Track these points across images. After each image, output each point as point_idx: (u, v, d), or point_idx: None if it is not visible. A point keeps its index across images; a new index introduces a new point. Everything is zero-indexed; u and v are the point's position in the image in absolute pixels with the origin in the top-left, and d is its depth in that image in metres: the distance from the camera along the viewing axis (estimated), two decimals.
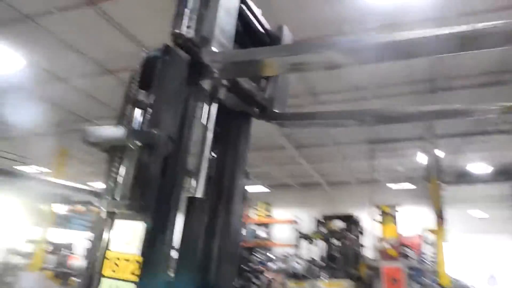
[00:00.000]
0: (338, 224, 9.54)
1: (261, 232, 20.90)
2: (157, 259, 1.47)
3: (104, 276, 1.48)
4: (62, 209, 13.45)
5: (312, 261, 8.96)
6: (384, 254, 7.22)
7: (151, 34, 6.70)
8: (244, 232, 20.54)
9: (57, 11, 6.59)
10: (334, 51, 1.54)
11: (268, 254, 15.94)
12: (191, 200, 1.80)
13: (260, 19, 2.17)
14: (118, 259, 1.47)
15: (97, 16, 6.67)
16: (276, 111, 2.20)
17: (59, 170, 12.52)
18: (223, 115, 2.00)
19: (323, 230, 9.22)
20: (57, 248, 12.52)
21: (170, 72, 1.62)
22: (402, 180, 16.18)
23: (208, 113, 1.92)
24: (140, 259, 1.43)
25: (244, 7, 2.01)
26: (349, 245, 8.83)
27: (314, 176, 16.34)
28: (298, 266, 7.67)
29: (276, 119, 2.19)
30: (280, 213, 20.65)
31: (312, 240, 9.48)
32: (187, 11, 1.66)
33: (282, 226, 19.19)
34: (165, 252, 1.53)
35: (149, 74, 1.63)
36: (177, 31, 1.65)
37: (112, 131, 1.51)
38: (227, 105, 2.02)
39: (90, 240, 1.68)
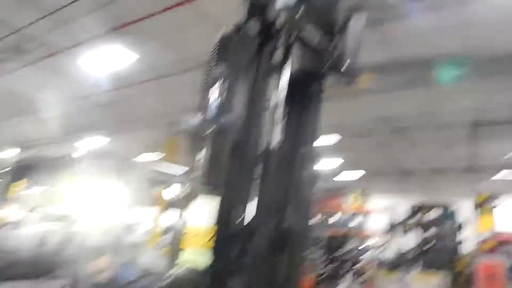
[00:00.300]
0: (433, 214, 8.99)
1: (356, 221, 20.59)
2: (227, 231, 1.70)
3: (185, 246, 1.76)
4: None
5: (404, 252, 8.63)
6: (480, 248, 6.66)
7: None
8: (336, 218, 20.46)
9: (158, 13, 7.21)
10: None
11: (362, 243, 15.66)
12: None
13: None
14: (196, 231, 1.74)
15: (193, 13, 7.09)
16: (347, 67, 2.09)
17: (171, 156, 13.68)
18: (293, 83, 2.04)
19: (416, 220, 8.76)
20: (169, 228, 13.86)
21: (241, 49, 1.79)
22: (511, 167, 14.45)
23: (278, 87, 2.00)
24: (214, 230, 1.68)
25: None
26: (444, 236, 8.25)
27: (412, 162, 15.48)
28: (390, 256, 7.45)
29: (348, 76, 2.13)
30: (376, 201, 20.04)
31: (405, 230, 9.09)
32: None
33: (378, 215, 18.65)
34: (235, 224, 1.75)
35: (222, 54, 1.82)
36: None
37: (188, 121, 1.77)
38: (296, 72, 2.06)
39: (176, 215, 1.99)
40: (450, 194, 14.20)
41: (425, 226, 8.73)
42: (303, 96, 2.16)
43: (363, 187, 20.60)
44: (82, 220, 2.66)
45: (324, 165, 18.20)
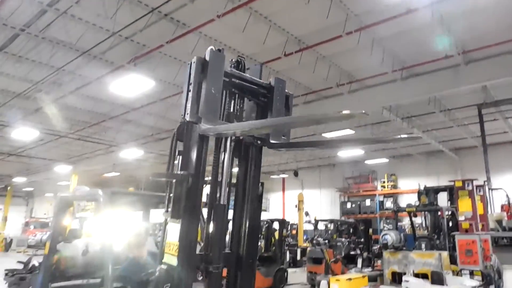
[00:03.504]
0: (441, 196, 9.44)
1: (388, 203, 21.05)
2: (187, 245, 2.68)
3: (166, 252, 2.76)
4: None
5: (412, 233, 9.21)
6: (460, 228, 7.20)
7: (297, 24, 7.96)
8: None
9: (218, 18, 7.47)
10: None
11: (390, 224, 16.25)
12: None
13: (252, 79, 2.95)
14: (170, 243, 2.72)
15: (247, 14, 7.45)
16: (273, 141, 3.00)
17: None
18: (240, 147, 2.97)
19: (422, 203, 9.24)
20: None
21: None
22: None
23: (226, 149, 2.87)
24: (178, 244, 2.65)
25: (232, 79, 2.82)
26: (449, 217, 8.70)
27: (433, 144, 15.79)
28: (393, 238, 8.09)
29: (273, 147, 3.03)
30: (406, 183, 20.38)
31: (415, 214, 9.61)
32: (190, 99, 2.60)
33: (410, 196, 19.03)
34: (192, 241, 2.73)
35: (179, 136, 2.78)
36: (182, 120, 2.63)
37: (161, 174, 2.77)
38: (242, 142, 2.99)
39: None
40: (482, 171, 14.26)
41: (425, 208, 9.11)
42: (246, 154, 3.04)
43: (393, 171, 21.10)
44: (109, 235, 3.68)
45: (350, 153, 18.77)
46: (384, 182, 21.51)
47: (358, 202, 21.94)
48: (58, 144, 17.20)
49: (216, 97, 2.65)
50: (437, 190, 9.81)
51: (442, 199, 9.79)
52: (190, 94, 2.63)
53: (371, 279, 7.59)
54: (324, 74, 9.86)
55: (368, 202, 21.52)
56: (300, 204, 18.75)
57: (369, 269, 9.24)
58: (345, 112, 1.74)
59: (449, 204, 9.35)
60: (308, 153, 19.68)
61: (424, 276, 7.14)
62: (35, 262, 9.95)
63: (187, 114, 2.60)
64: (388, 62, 9.30)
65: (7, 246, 23.34)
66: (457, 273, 7.24)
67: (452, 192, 8.89)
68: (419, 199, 9.22)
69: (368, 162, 21.00)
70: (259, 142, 3.02)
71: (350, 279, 7.02)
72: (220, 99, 2.71)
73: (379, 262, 10.15)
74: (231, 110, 2.95)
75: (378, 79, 10.32)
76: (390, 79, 10.21)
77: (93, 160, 20.04)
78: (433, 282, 6.67)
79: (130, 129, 14.92)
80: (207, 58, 2.64)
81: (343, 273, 9.44)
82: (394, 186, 21.32)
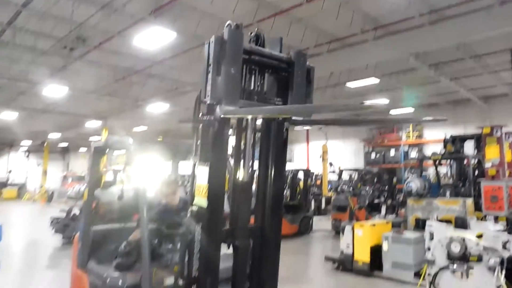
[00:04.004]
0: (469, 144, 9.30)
1: (413, 153, 20.90)
2: (216, 186, 2.85)
3: (196, 194, 2.95)
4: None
5: (437, 182, 9.23)
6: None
7: None
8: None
9: None
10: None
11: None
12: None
13: (272, 54, 2.86)
14: (200, 186, 2.90)
15: None
16: (295, 118, 3.14)
17: None
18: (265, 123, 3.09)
19: (449, 150, 9.16)
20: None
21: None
22: None
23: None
24: (208, 186, 2.82)
25: (252, 56, 2.76)
26: (475, 165, 8.64)
27: (461, 92, 15.30)
28: (417, 185, 8.14)
29: (295, 123, 3.19)
30: (432, 133, 20.06)
31: (440, 162, 9.57)
32: (209, 80, 2.57)
33: (435, 146, 18.79)
34: (220, 182, 2.90)
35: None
36: (204, 99, 2.64)
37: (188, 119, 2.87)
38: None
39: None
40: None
41: (451, 157, 9.07)
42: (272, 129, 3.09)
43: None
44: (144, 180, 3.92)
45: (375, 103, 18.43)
46: (409, 132, 21.24)
47: (383, 152, 21.88)
48: (87, 101, 17.65)
49: (236, 77, 2.59)
50: (463, 138, 9.66)
51: (469, 149, 9.66)
52: (210, 75, 2.58)
53: (395, 225, 7.74)
54: (348, 20, 9.53)
55: (392, 152, 21.43)
56: (324, 155, 18.91)
57: (393, 216, 9.41)
58: (366, 103, 2.17)
59: (475, 153, 9.23)
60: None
61: (448, 222, 7.24)
62: (76, 210, 10.77)
63: (208, 96, 2.58)
64: (415, 6, 8.90)
65: (50, 197, 25.39)
66: (482, 219, 7.31)
67: (480, 141, 8.72)
68: (445, 147, 9.12)
69: (393, 112, 20.64)
70: (280, 118, 3.06)
71: (374, 224, 7.21)
72: (240, 79, 2.67)
73: (402, 210, 10.29)
74: (252, 87, 2.90)
75: (405, 24, 9.89)
76: (418, 24, 9.78)
77: (121, 115, 20.55)
78: (456, 227, 6.77)
79: (155, 83, 15.08)
80: (225, 37, 2.55)
81: (367, 219, 9.68)
82: (420, 136, 21.05)
